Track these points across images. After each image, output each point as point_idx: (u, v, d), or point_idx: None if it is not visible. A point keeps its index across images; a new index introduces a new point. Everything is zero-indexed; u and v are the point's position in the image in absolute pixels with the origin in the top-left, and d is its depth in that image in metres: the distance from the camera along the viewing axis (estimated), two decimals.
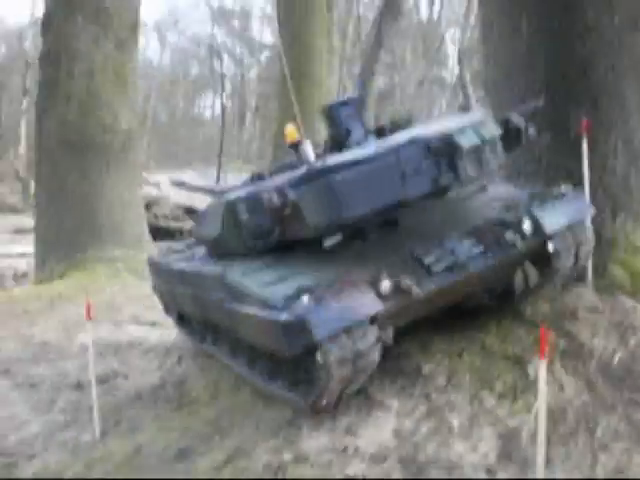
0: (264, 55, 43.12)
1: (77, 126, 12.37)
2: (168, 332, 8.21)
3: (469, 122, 4.60)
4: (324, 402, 4.31)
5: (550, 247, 4.75)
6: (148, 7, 41.97)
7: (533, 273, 5.25)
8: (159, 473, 4.84)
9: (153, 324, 8.89)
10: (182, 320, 7.36)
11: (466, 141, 4.44)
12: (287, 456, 4.18)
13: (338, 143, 5.04)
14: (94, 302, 6.36)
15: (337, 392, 4.27)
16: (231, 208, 5.16)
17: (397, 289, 4.27)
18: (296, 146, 5.21)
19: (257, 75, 43.78)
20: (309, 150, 4.55)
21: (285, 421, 4.63)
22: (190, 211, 18.60)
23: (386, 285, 4.24)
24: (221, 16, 43.56)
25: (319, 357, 4.01)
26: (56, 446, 6.05)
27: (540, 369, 2.88)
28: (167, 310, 7.69)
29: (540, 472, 3.05)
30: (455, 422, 4.23)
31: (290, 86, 8.15)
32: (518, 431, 4.13)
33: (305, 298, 4.07)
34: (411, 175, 4.35)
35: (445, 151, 4.41)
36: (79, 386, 7.14)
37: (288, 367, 4.88)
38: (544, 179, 5.49)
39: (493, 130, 4.68)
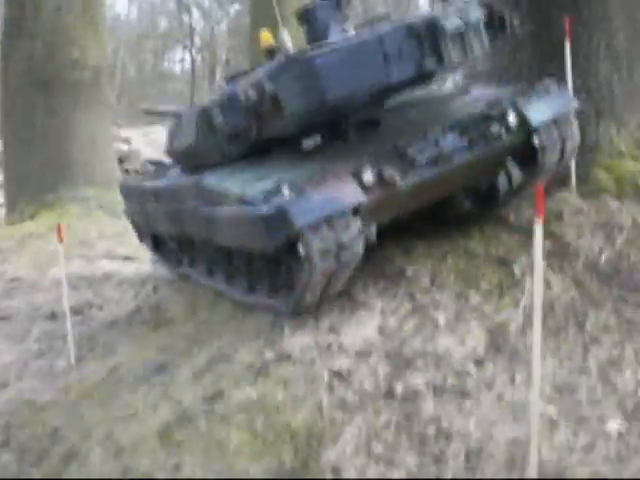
0: (233, 8, 42.42)
1: (44, 63, 11.97)
2: (142, 266, 8.09)
3: (452, 8, 4.47)
4: (307, 299, 4.21)
5: (536, 141, 4.63)
6: None
7: (516, 173, 5.12)
8: (136, 389, 4.72)
9: (127, 258, 8.76)
10: (157, 245, 7.21)
11: (449, 23, 4.32)
12: (269, 355, 4.07)
13: (313, 41, 4.77)
14: (66, 240, 6.22)
15: (319, 288, 4.16)
16: (205, 113, 5.01)
17: (380, 180, 4.15)
18: (271, 52, 5.03)
19: (227, 28, 43.13)
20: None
21: (267, 325, 4.51)
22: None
23: (368, 176, 4.12)
24: None
25: (301, 249, 3.89)
26: (30, 374, 5.93)
27: (537, 232, 2.76)
28: (141, 237, 7.51)
29: (536, 354, 2.94)
30: (441, 318, 4.13)
31: None
32: (506, 325, 4.05)
33: (285, 190, 3.94)
34: (394, 58, 4.22)
35: (428, 33, 4.28)
36: (53, 316, 7.02)
37: (268, 274, 4.78)
38: (526, 84, 5.34)
39: (477, 14, 4.54)
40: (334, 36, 4.75)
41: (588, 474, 3.06)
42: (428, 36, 4.30)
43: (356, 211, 4.00)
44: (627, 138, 5.32)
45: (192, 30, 41.74)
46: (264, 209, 3.98)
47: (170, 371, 4.67)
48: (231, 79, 5.21)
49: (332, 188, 3.97)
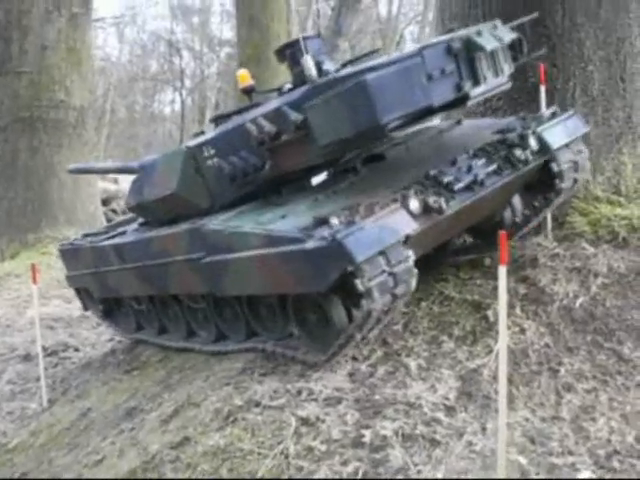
0: (224, 51, 42.72)
1: (29, 102, 12.02)
2: None
3: (483, 26, 4.28)
4: (348, 344, 4.03)
5: (554, 165, 4.65)
6: (106, 2, 41.26)
7: (519, 208, 5.13)
8: (105, 433, 4.64)
9: None
10: (108, 311, 6.67)
11: (486, 42, 4.08)
12: (237, 402, 3.98)
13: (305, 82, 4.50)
14: (45, 280, 6.18)
15: (369, 329, 3.98)
16: (193, 155, 4.70)
17: (426, 208, 3.97)
18: (249, 91, 4.97)
19: (217, 71, 43.39)
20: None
21: (237, 371, 4.44)
22: None
23: (415, 204, 3.93)
24: (180, 12, 43.12)
25: (360, 285, 3.60)
26: (2, 416, 5.86)
27: (500, 277, 2.71)
28: (88, 304, 6.88)
29: (502, 404, 2.87)
30: (413, 365, 4.06)
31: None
32: (478, 372, 3.98)
33: (334, 221, 3.71)
34: (436, 77, 3.94)
35: (466, 52, 4.05)
36: (27, 358, 6.99)
37: (282, 321, 4.56)
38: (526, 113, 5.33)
39: (507, 34, 4.38)
40: (327, 70, 4.55)
41: None
42: (465, 56, 4.06)
43: (406, 242, 3.78)
44: (603, 183, 5.33)
45: (182, 72, 41.96)
46: (311, 244, 3.68)
47: (139, 416, 4.59)
48: (220, 119, 4.97)
49: (384, 218, 3.74)
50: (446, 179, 4.20)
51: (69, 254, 6.50)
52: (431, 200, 3.99)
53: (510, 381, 3.86)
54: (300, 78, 4.54)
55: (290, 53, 4.71)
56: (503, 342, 2.67)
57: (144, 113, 45.25)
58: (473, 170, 4.32)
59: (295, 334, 4.49)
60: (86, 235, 6.57)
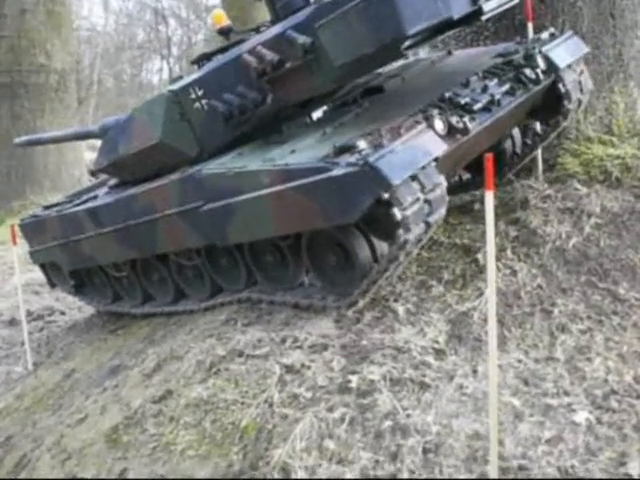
0: (210, 17, 42.29)
1: (9, 67, 11.78)
2: None
3: None
4: (371, 284, 3.83)
5: (560, 85, 4.52)
6: None
7: (518, 138, 5.02)
8: (89, 392, 4.54)
9: None
10: (80, 285, 6.27)
11: None
12: (220, 352, 3.86)
13: (292, 14, 4.27)
14: None
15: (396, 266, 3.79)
16: (177, 99, 4.43)
17: (450, 129, 3.74)
18: (226, 32, 4.75)
19: (204, 38, 42.98)
20: None
21: (220, 322, 4.32)
22: None
23: (440, 124, 3.70)
24: None
25: (397, 212, 3.38)
26: None
27: (487, 203, 2.56)
28: (56, 279, 6.47)
29: (493, 344, 2.73)
30: (401, 309, 3.92)
31: None
32: (469, 315, 3.85)
33: (362, 144, 3.46)
34: None
35: None
36: (12, 323, 6.93)
37: (295, 265, 4.33)
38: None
39: None
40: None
41: (554, 468, 2.87)
42: None
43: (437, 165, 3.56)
44: (595, 122, 5.16)
45: (169, 40, 41.54)
46: (340, 170, 3.41)
47: (123, 373, 4.49)
48: (203, 60, 4.72)
49: (413, 139, 3.51)
50: (463, 100, 3.97)
51: (32, 227, 6.12)
52: (454, 120, 3.77)
53: (502, 323, 3.74)
54: (285, 11, 4.33)
55: None
56: (492, 273, 2.53)
57: (132, 82, 44.87)
58: (489, 90, 4.12)
59: (305, 283, 4.31)
60: (47, 207, 6.21)
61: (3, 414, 5.15)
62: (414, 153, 3.45)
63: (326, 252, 4.07)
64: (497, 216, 4.24)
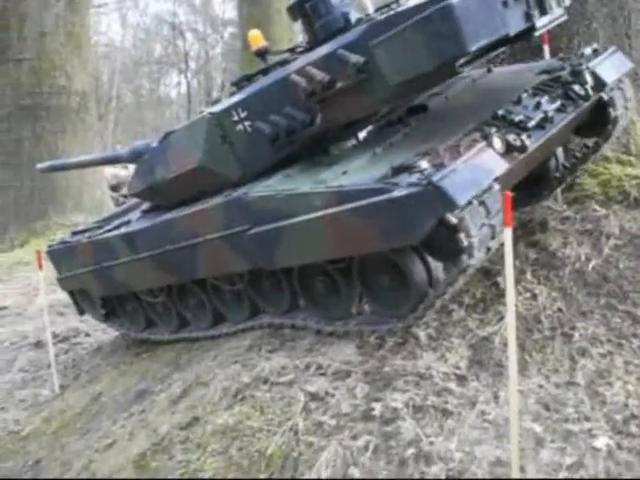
0: (227, 31, 42.49)
1: (30, 89, 11.95)
2: None
3: None
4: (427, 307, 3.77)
5: (607, 100, 4.51)
6: None
7: (562, 157, 4.99)
8: (116, 417, 4.61)
9: None
10: (110, 312, 6.13)
11: None
12: (245, 379, 3.92)
13: (332, 34, 4.24)
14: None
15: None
16: (218, 121, 4.36)
17: (508, 147, 3.68)
18: (264, 53, 4.63)
19: (221, 51, 43.24)
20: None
21: (244, 348, 4.38)
22: None
23: (498, 143, 3.65)
24: None
25: (462, 236, 3.30)
26: (14, 404, 5.86)
27: (506, 240, 2.60)
28: (85, 306, 6.33)
29: (513, 373, 2.77)
30: (422, 335, 3.96)
31: None
32: (490, 340, 3.88)
33: (423, 163, 3.40)
34: (510, 4, 3.67)
35: None
36: (38, 345, 6.98)
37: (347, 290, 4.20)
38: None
39: None
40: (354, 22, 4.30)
41: None
42: None
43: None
44: (612, 142, 5.18)
45: (187, 54, 41.85)
46: (402, 191, 3.30)
47: (149, 398, 4.55)
48: (243, 81, 4.64)
49: (474, 158, 3.45)
50: (517, 117, 3.95)
51: (61, 254, 5.99)
52: (511, 138, 3.74)
53: (522, 348, 3.77)
54: (325, 31, 4.30)
55: (311, 5, 4.37)
56: (511, 304, 2.58)
57: (150, 97, 45.23)
58: (542, 107, 4.10)
59: (353, 312, 4.24)
60: (76, 232, 6.11)
61: (31, 437, 5.20)
62: (476, 172, 3.42)
63: (379, 275, 4.00)
64: (516, 238, 4.26)
